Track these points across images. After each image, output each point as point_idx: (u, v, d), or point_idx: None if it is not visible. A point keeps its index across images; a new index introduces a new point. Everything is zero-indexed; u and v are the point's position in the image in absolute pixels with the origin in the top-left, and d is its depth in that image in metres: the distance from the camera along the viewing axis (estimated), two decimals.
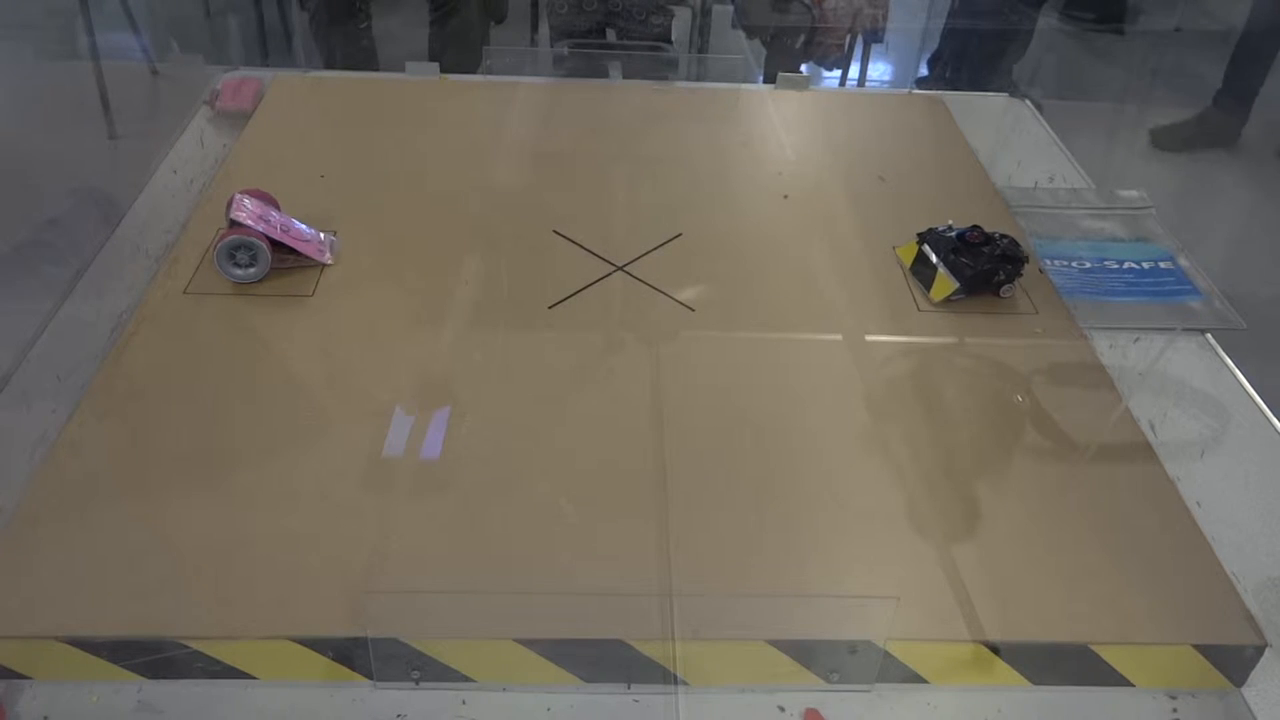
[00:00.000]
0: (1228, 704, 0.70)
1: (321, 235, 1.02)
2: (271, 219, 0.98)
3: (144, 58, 2.70)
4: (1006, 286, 1.00)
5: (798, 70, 2.03)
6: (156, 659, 0.67)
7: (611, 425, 0.84)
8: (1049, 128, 1.37)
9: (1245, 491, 0.83)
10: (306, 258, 0.99)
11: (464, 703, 0.67)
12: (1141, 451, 0.86)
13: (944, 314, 0.99)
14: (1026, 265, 1.01)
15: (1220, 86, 2.69)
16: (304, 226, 1.01)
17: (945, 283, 0.99)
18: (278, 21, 2.71)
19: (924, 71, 2.82)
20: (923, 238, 1.04)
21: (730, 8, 2.38)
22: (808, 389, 0.89)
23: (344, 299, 0.97)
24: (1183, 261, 1.09)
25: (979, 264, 0.99)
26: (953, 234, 1.01)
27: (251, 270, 0.96)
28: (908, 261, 1.05)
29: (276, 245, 0.97)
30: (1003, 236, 1.01)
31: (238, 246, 0.95)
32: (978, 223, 1.01)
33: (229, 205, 0.98)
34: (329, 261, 1.00)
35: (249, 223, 0.96)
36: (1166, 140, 2.67)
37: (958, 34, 2.72)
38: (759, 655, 0.68)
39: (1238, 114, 2.68)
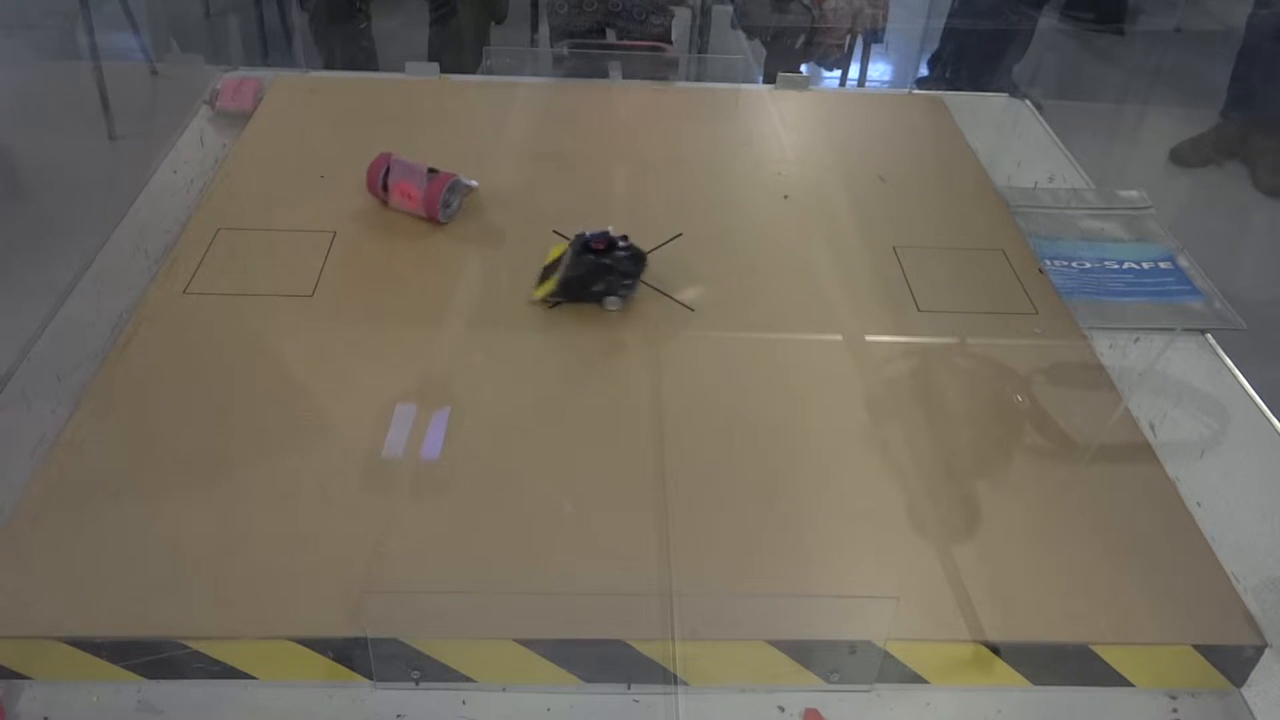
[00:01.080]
0: (1228, 704, 0.70)
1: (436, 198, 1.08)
2: (413, 165, 1.06)
3: (144, 58, 2.70)
4: (611, 299, 0.95)
5: (798, 70, 2.03)
6: (156, 659, 0.67)
7: (611, 425, 0.84)
8: (1049, 128, 1.37)
9: (1245, 491, 0.83)
10: (424, 211, 1.06)
11: (464, 703, 0.67)
12: (1141, 451, 0.86)
13: (944, 314, 0.99)
14: (639, 281, 0.95)
15: (1226, 100, 2.68)
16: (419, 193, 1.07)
17: (549, 284, 0.96)
18: (278, 21, 2.71)
19: (924, 71, 2.82)
20: (576, 238, 0.98)
21: (730, 8, 2.38)
22: (808, 389, 0.89)
23: (344, 299, 0.97)
24: (1183, 261, 1.09)
25: (575, 270, 0.94)
26: (586, 236, 0.96)
27: (456, 203, 1.07)
28: (550, 258, 0.99)
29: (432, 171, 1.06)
30: (626, 247, 0.95)
31: (450, 189, 1.05)
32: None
33: (386, 168, 1.06)
34: (443, 220, 1.07)
35: (416, 169, 1.05)
36: (1188, 157, 2.66)
37: (957, 34, 2.72)
38: (759, 655, 0.68)
39: (1247, 125, 2.68)
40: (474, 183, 1.10)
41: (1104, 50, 3.24)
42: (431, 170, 1.06)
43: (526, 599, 0.70)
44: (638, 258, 0.96)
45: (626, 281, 0.95)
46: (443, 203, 1.05)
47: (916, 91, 1.44)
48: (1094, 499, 0.80)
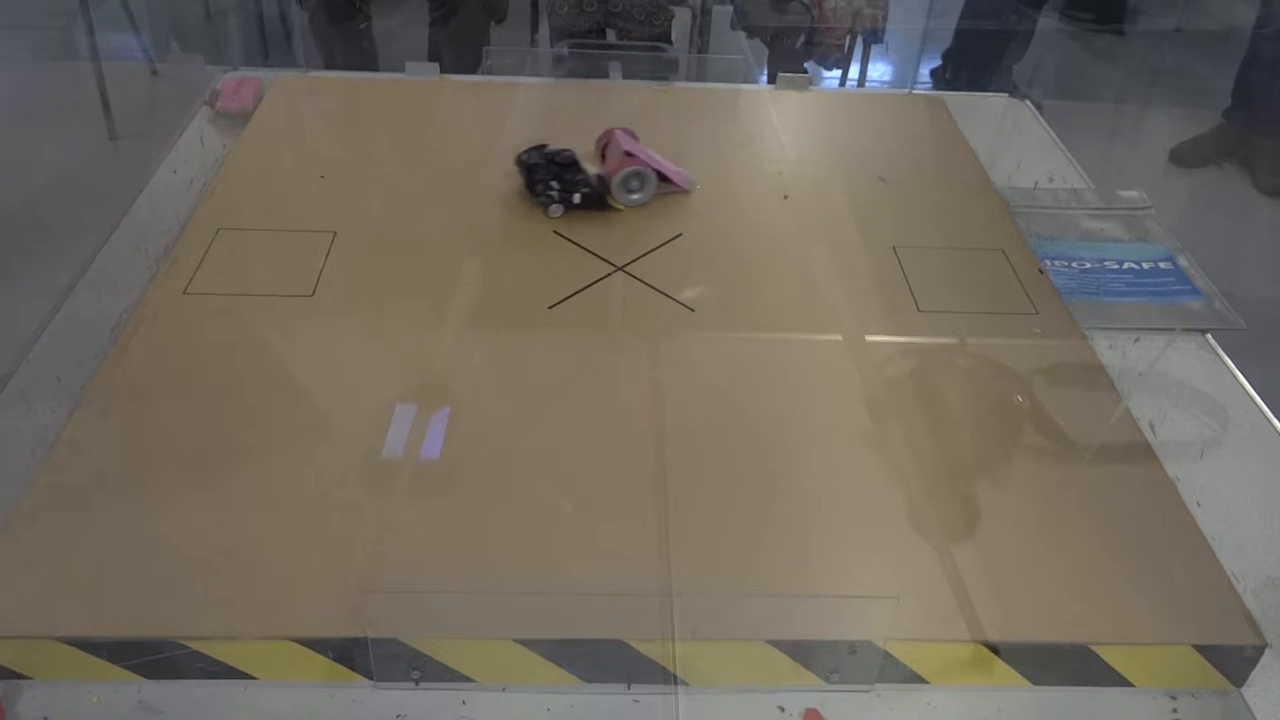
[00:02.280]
0: (1228, 704, 0.70)
1: (680, 170, 1.15)
2: (647, 153, 1.13)
3: (144, 58, 2.70)
4: (554, 206, 1.08)
5: (801, 69, 2.03)
6: (156, 659, 0.67)
7: (611, 425, 0.84)
8: (1049, 128, 1.37)
9: (1245, 491, 0.83)
10: (676, 185, 1.14)
11: (464, 703, 0.67)
12: (1141, 451, 0.86)
13: (944, 314, 0.99)
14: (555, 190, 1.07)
15: (1230, 102, 2.68)
16: (665, 160, 1.14)
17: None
18: (278, 21, 2.71)
19: (926, 73, 2.82)
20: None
21: (730, 8, 2.38)
22: (808, 389, 0.89)
23: (344, 299, 0.97)
24: (1182, 261, 1.09)
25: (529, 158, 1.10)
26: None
27: (639, 195, 1.11)
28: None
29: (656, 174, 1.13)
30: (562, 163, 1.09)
31: (632, 175, 1.10)
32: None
33: (607, 140, 1.14)
34: (691, 189, 1.15)
35: (639, 154, 1.11)
36: (1188, 157, 2.66)
37: (965, 35, 2.71)
38: (759, 655, 0.68)
39: (1247, 125, 2.67)
40: (692, 181, 1.15)
41: (1104, 50, 3.24)
42: (627, 153, 1.11)
43: (526, 599, 0.70)
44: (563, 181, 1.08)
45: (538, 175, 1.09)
46: (619, 183, 1.10)
47: (916, 91, 1.44)
48: (1094, 499, 0.80)
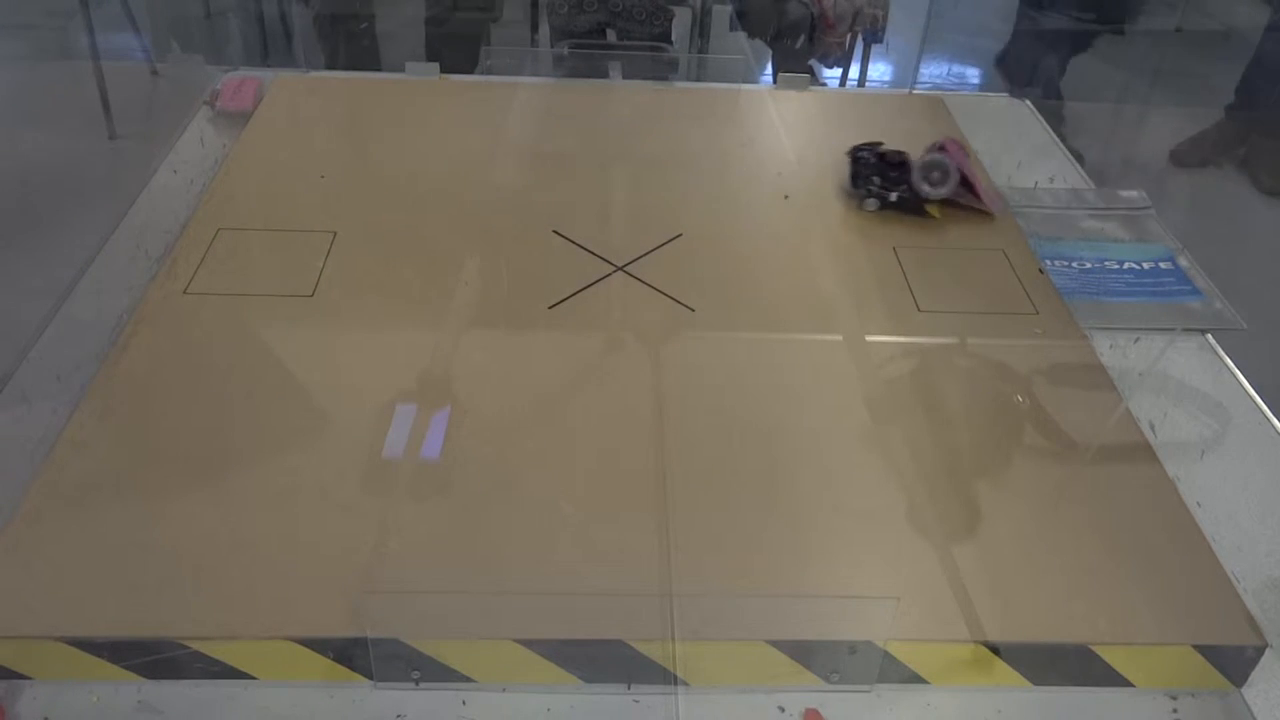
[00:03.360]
0: (1228, 704, 0.70)
1: (999, 196, 1.15)
2: (964, 163, 1.12)
3: (144, 58, 2.70)
4: (870, 200, 1.11)
5: (806, 69, 2.03)
6: (156, 659, 0.67)
7: (611, 425, 0.84)
8: (1049, 128, 1.37)
9: (1245, 491, 0.83)
10: (979, 201, 1.11)
11: (464, 703, 0.67)
12: (1141, 451, 0.86)
13: (944, 314, 0.99)
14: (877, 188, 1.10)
15: (1233, 100, 2.67)
16: (980, 177, 1.14)
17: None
18: (278, 21, 2.71)
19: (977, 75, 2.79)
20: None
21: (729, 8, 2.38)
22: (808, 389, 0.89)
23: (344, 299, 0.97)
24: (1183, 261, 1.09)
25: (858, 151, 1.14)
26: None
27: (938, 189, 1.10)
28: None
29: (964, 180, 1.11)
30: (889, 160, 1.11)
31: (934, 165, 1.10)
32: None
33: (939, 145, 1.15)
34: (995, 213, 1.12)
35: (954, 158, 1.11)
36: (1188, 157, 2.66)
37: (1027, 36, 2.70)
38: (759, 655, 0.68)
39: (1248, 124, 2.67)
40: (1000, 206, 1.13)
41: (1104, 50, 3.23)
42: (940, 146, 1.12)
43: (526, 599, 0.70)
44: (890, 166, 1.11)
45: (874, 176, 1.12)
46: (919, 170, 1.10)
47: (916, 91, 1.44)
48: (1094, 499, 0.80)
